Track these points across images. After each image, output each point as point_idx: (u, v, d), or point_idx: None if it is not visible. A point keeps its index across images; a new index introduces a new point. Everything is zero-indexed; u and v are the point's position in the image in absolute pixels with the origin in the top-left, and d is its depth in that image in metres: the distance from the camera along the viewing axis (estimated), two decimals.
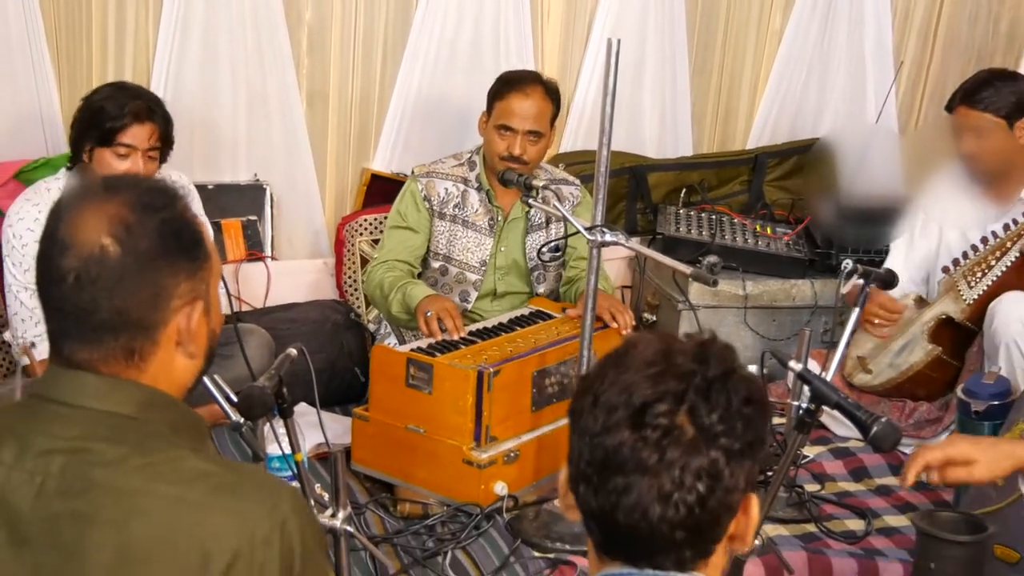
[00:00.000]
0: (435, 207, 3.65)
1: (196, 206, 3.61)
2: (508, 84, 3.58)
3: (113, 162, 3.22)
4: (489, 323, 3.47)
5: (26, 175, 3.69)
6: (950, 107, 3.60)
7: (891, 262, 3.75)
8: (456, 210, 3.66)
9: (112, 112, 3.19)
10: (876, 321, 3.65)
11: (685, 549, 1.33)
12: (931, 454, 2.17)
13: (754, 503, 1.38)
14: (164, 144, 3.31)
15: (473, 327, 3.43)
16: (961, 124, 3.53)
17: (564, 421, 3.09)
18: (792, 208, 4.59)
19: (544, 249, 3.67)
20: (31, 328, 3.25)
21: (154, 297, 1.43)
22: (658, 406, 1.30)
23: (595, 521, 1.35)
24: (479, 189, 3.67)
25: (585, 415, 1.34)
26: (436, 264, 3.70)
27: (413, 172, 3.74)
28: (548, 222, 3.72)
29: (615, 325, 3.39)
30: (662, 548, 1.33)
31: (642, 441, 1.30)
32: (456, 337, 3.29)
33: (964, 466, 2.14)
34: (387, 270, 3.59)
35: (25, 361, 3.26)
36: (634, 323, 3.47)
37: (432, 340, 3.29)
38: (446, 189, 3.66)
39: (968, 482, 2.15)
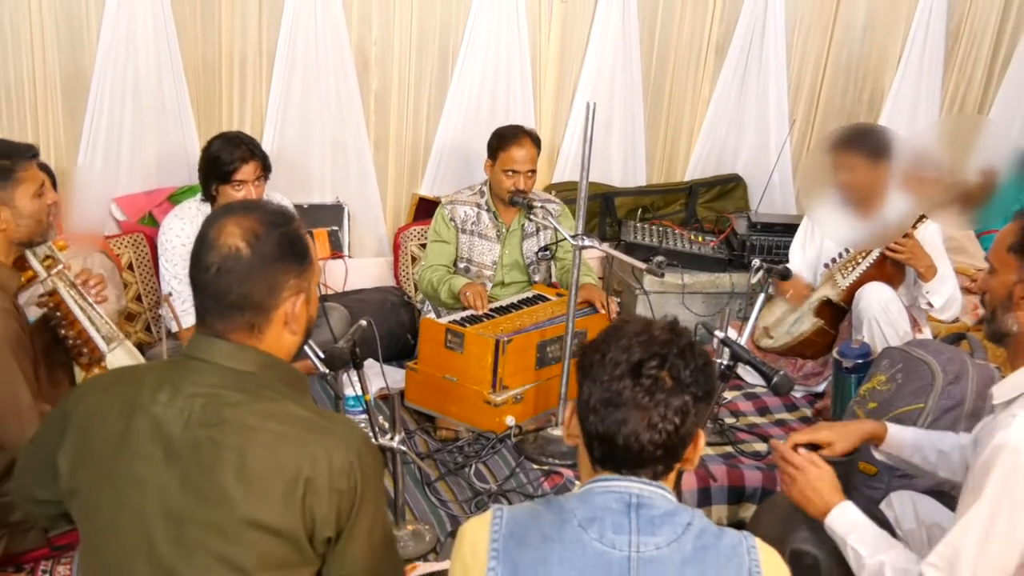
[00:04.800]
0: (459, 225, 3.64)
1: None
2: (506, 139, 3.51)
3: (232, 193, 3.20)
4: (504, 303, 3.45)
5: (175, 197, 3.68)
6: (831, 148, 3.54)
7: (791, 261, 3.74)
8: (473, 226, 3.64)
9: (226, 159, 3.16)
10: (789, 294, 3.63)
11: (659, 464, 1.34)
12: (800, 436, 2.15)
13: (702, 437, 1.39)
14: (265, 171, 3.28)
15: (493, 305, 3.41)
16: (837, 162, 3.46)
17: (557, 375, 3.10)
18: (717, 222, 4.56)
19: (538, 251, 3.65)
20: (178, 305, 3.24)
21: (270, 288, 1.42)
22: (650, 362, 1.32)
23: (598, 441, 1.35)
24: (488, 210, 3.65)
25: (596, 367, 1.34)
26: (461, 266, 3.68)
27: (441, 201, 3.72)
28: (537, 231, 3.69)
29: (603, 311, 3.37)
30: (646, 462, 1.34)
31: (639, 387, 1.31)
32: (477, 311, 3.28)
33: (827, 446, 2.13)
34: (432, 272, 3.61)
35: (174, 328, 3.25)
36: (618, 310, 3.47)
37: (465, 313, 3.30)
38: (465, 212, 3.64)
39: (835, 456, 2.14)
